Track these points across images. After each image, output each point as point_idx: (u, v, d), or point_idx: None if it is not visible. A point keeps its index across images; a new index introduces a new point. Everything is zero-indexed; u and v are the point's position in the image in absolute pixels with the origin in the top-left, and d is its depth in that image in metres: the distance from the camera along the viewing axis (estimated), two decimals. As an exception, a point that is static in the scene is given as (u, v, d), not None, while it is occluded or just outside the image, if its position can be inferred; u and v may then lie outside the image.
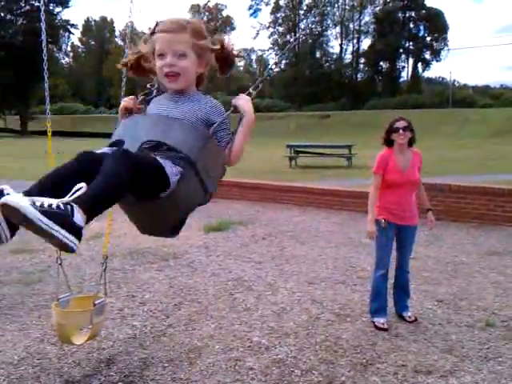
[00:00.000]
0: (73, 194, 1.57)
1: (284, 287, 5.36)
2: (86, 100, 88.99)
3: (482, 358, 3.78)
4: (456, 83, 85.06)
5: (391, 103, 57.62)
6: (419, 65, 74.89)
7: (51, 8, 58.24)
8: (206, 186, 2.00)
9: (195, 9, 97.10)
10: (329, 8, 78.80)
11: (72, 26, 65.42)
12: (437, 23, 70.30)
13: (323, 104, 64.07)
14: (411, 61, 75.15)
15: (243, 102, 2.15)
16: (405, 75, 77.46)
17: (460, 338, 4.12)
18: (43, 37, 3.27)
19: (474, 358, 3.77)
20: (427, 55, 73.94)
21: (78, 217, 1.54)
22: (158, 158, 1.86)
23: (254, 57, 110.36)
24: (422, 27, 73.55)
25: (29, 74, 55.39)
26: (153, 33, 2.07)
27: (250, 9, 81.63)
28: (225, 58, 2.18)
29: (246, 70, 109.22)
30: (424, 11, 71.57)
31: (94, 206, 1.61)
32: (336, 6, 78.65)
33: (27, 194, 1.65)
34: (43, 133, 49.94)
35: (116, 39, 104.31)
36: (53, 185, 1.71)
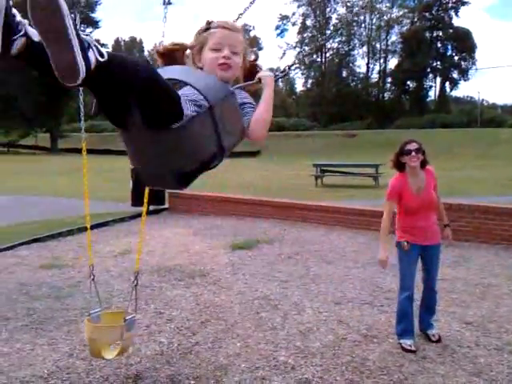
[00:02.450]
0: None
1: (310, 307, 5.36)
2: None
3: (511, 382, 3.73)
4: (484, 102, 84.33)
5: (419, 122, 57.23)
6: (447, 84, 74.39)
7: (82, 29, 59.57)
8: (221, 138, 1.90)
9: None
10: (356, 28, 79.12)
11: (102, 45, 66.37)
12: (465, 42, 69.97)
13: (350, 123, 64.02)
14: (439, 80, 74.82)
15: (267, 75, 2.13)
16: (432, 94, 77.11)
17: (489, 362, 4.06)
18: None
19: (503, 382, 3.72)
20: (455, 74, 73.48)
21: (92, 55, 1.47)
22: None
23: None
24: (449, 46, 73.27)
25: (60, 93, 56.52)
26: (207, 29, 2.13)
27: (276, 29, 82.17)
28: (250, 71, 2.21)
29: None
30: (451, 30, 71.35)
31: (107, 66, 1.51)
32: (363, 25, 78.94)
33: None
34: (73, 150, 50.51)
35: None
36: None
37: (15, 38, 1.41)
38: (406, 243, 4.33)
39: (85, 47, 1.43)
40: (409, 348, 4.26)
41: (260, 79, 2.11)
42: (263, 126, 2.05)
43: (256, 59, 2.24)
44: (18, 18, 1.43)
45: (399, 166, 4.39)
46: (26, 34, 1.43)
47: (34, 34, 1.42)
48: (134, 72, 1.56)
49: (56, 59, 1.37)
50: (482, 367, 3.97)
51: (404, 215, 4.42)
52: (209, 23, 2.13)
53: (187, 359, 4.13)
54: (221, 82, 2.00)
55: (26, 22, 1.42)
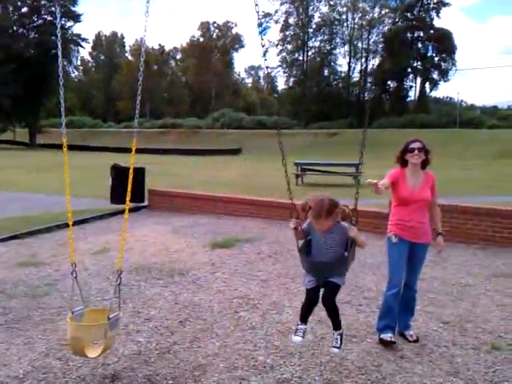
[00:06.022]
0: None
1: (289, 306, 5.36)
2: (95, 114, 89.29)
3: (488, 381, 3.77)
4: (463, 103, 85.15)
5: (398, 122, 57.59)
6: (427, 84, 74.83)
7: (63, 22, 58.78)
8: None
9: (205, 26, 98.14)
10: (338, 27, 79.35)
11: (83, 39, 65.91)
12: (445, 43, 70.46)
13: (331, 122, 64.21)
14: (419, 80, 75.25)
15: (355, 233, 3.70)
16: (412, 95, 77.57)
17: (466, 361, 4.10)
18: (59, 53, 3.32)
19: (479, 382, 3.76)
20: (435, 75, 73.96)
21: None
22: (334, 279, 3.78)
23: (261, 74, 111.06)
24: (430, 47, 73.78)
25: (38, 87, 55.83)
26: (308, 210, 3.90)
27: (259, 26, 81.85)
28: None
29: (253, 86, 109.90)
30: (432, 31, 71.86)
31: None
32: (345, 24, 79.22)
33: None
34: (51, 146, 49.86)
35: (126, 54, 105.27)
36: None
37: None
38: (394, 236, 4.43)
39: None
40: (389, 339, 4.29)
41: (353, 238, 3.72)
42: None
43: (344, 216, 3.79)
44: None
45: (402, 162, 4.53)
46: None
47: None
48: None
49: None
50: (459, 367, 4.00)
51: (397, 208, 4.52)
52: (308, 208, 3.94)
53: (165, 359, 4.11)
54: (342, 259, 3.87)
55: None
